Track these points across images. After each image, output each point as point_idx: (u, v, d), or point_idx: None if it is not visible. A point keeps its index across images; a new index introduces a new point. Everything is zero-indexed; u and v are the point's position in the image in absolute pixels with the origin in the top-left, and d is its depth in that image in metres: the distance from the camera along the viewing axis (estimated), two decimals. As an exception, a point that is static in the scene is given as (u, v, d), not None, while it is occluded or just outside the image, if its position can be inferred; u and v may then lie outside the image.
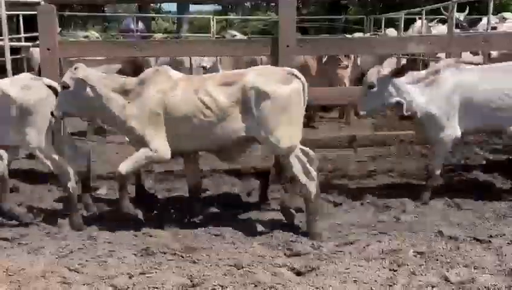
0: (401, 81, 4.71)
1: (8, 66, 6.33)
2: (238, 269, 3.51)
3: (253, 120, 4.08)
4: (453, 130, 4.75)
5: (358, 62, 9.61)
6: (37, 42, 5.42)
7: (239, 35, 10.23)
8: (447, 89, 4.71)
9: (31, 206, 4.84)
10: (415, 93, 4.72)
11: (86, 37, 9.34)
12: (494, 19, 8.64)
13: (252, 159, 6.39)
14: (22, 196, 5.16)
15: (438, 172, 4.88)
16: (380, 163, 6.19)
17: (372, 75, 4.73)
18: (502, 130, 4.90)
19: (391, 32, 11.83)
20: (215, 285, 3.30)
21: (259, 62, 9.05)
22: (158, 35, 11.64)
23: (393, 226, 4.30)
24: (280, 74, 4.18)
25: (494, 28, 7.77)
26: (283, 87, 4.08)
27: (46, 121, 4.31)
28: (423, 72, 4.90)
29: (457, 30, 9.47)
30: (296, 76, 4.17)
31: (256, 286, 3.27)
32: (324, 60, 8.63)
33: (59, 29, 5.75)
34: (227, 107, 4.09)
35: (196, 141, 4.23)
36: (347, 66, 8.74)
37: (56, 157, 4.38)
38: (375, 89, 4.70)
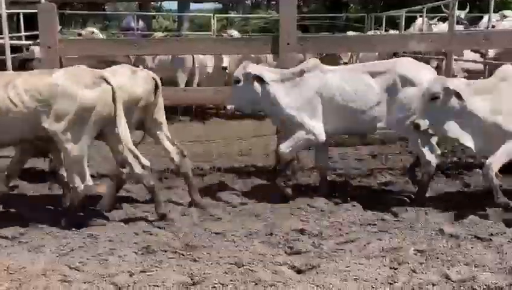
0: (267, 78, 4.74)
1: (9, 64, 6.32)
2: (239, 267, 3.51)
3: (53, 119, 4.06)
4: (315, 133, 4.76)
5: (358, 60, 9.62)
6: (38, 40, 5.43)
7: (236, 34, 10.22)
8: (310, 91, 4.72)
9: (31, 204, 4.84)
10: (279, 92, 4.74)
11: (80, 34, 9.34)
12: (494, 17, 8.62)
13: (253, 158, 6.42)
14: (21, 194, 5.16)
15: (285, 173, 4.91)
16: (382, 161, 6.19)
17: (238, 70, 4.81)
18: (364, 132, 4.98)
19: None
20: (215, 283, 3.30)
21: (264, 60, 9.08)
22: (158, 34, 11.62)
23: (393, 224, 4.30)
24: (88, 76, 4.15)
25: (493, 27, 7.76)
26: (87, 90, 4.07)
27: None
28: (289, 71, 4.89)
29: (461, 26, 9.45)
30: (106, 80, 4.15)
31: (256, 284, 3.27)
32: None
33: (59, 27, 5.74)
34: (33, 105, 4.07)
35: (8, 136, 4.19)
36: (346, 64, 8.75)
37: None
38: (240, 84, 4.77)
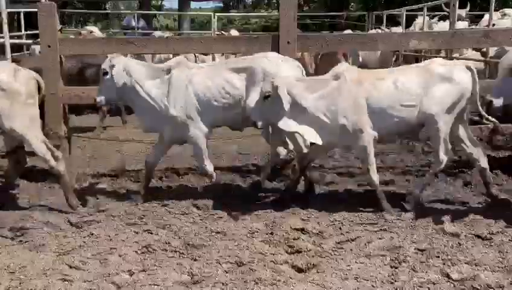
0: (138, 73, 4.72)
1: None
2: (239, 266, 3.51)
3: None
4: (200, 127, 4.74)
5: (360, 59, 9.60)
6: (38, 40, 5.42)
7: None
8: (181, 89, 4.70)
9: (31, 203, 4.84)
10: (147, 88, 4.72)
11: (80, 34, 9.34)
12: (495, 16, 8.62)
13: (253, 157, 6.41)
14: (22, 193, 5.16)
15: (210, 170, 4.90)
16: (382, 160, 6.18)
17: (106, 62, 4.76)
18: (231, 126, 4.96)
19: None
20: (216, 282, 3.31)
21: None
22: (157, 33, 11.62)
23: (394, 223, 4.29)
24: None
25: (493, 25, 7.75)
26: None
27: None
28: (159, 68, 4.87)
29: (466, 23, 9.44)
30: None
31: (257, 283, 3.28)
32: (319, 56, 8.63)
33: (60, 26, 5.74)
34: None
35: None
36: None
37: None
38: (108, 76, 4.72)
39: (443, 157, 4.47)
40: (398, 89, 4.41)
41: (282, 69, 4.69)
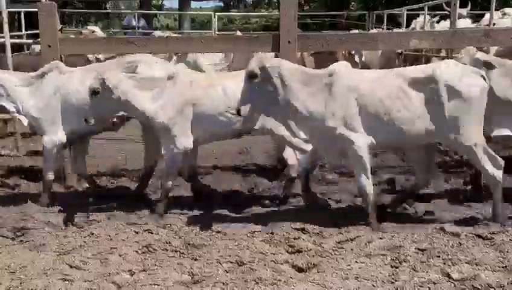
0: (10, 81, 4.74)
1: (9, 64, 6.33)
2: (240, 266, 3.51)
3: None
4: (58, 134, 4.74)
5: (363, 58, 9.56)
6: (38, 39, 5.43)
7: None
8: (49, 92, 4.71)
9: (31, 203, 4.84)
10: (24, 95, 4.73)
11: (81, 33, 9.35)
12: (496, 15, 8.60)
13: (253, 157, 6.41)
14: (22, 193, 5.16)
15: (48, 176, 4.85)
16: (382, 159, 6.18)
17: None
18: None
19: None
20: (216, 282, 3.31)
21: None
22: (157, 33, 11.62)
23: (394, 222, 4.29)
24: None
25: (493, 25, 7.72)
26: None
27: None
28: (34, 74, 4.86)
29: (468, 21, 9.42)
30: None
31: (257, 283, 3.27)
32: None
33: (60, 26, 5.74)
34: None
35: None
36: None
37: None
38: None
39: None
40: (227, 94, 4.38)
41: (154, 70, 4.72)
